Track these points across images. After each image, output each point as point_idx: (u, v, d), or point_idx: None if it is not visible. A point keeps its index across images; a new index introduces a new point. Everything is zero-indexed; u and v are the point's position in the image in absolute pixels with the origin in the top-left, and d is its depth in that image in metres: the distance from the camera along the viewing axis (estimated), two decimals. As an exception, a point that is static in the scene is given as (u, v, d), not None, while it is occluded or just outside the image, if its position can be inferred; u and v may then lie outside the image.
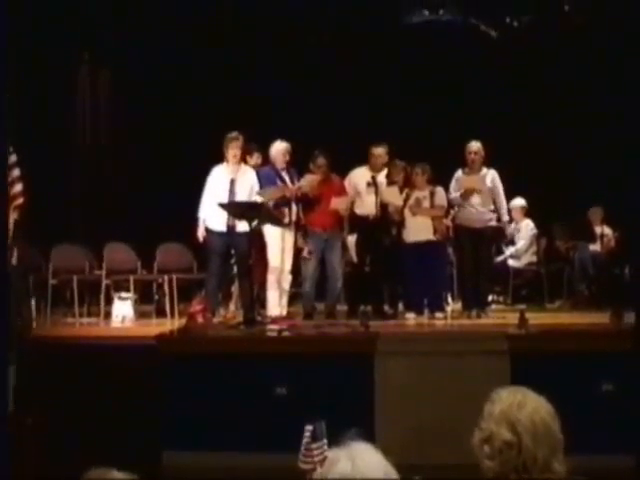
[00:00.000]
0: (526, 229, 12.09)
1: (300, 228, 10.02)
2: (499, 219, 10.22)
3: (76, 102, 13.15)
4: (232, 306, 10.19)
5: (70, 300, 10.70)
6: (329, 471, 2.11)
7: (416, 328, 9.21)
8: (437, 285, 9.78)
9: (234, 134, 9.55)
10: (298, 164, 10.18)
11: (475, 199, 9.86)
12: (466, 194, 9.83)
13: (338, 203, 9.95)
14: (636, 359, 7.15)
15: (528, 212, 12.09)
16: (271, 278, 9.81)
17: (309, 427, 2.20)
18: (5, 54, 6.53)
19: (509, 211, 11.33)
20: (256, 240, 9.45)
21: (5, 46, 6.49)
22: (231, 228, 9.35)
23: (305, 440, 2.19)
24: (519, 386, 2.56)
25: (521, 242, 12.09)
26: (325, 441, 2.19)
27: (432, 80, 13.09)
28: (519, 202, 11.81)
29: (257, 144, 10.20)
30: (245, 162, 10.04)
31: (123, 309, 10.20)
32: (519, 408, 2.44)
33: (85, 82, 13.16)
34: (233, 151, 9.50)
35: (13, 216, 8.38)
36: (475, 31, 13.25)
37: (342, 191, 10.11)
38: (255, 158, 10.27)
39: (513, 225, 12.06)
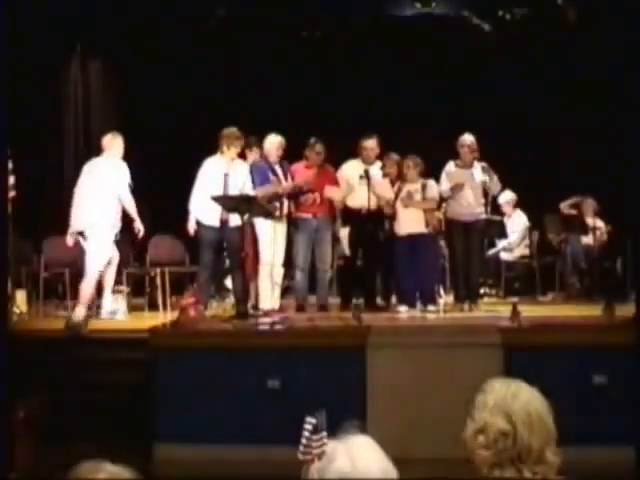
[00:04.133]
0: (519, 221, 12.12)
1: (292, 220, 10.02)
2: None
3: (67, 94, 13.10)
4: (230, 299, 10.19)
5: (62, 293, 10.68)
6: (327, 468, 2.10)
7: (408, 321, 9.21)
8: (429, 278, 9.79)
9: (238, 132, 9.52)
10: (290, 158, 10.19)
11: (466, 192, 9.87)
12: (456, 188, 9.82)
13: (333, 192, 9.96)
14: (629, 351, 7.16)
15: (518, 205, 12.13)
16: (263, 271, 9.81)
17: (310, 419, 2.19)
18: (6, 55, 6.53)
19: (499, 206, 11.47)
20: (248, 233, 9.45)
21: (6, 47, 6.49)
22: (224, 222, 9.33)
23: (305, 432, 2.18)
24: (512, 378, 2.56)
25: (514, 235, 12.11)
26: (325, 433, 2.17)
27: (424, 73, 13.08)
28: (509, 195, 11.83)
29: (256, 137, 10.21)
30: (244, 157, 10.06)
31: (115, 302, 10.18)
32: (513, 398, 2.45)
33: (76, 75, 13.11)
34: (236, 149, 9.49)
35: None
36: (468, 24, 13.23)
37: (335, 181, 10.11)
38: (254, 153, 10.26)
39: (505, 218, 12.11)
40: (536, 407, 2.45)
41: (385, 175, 10.12)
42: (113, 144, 9.75)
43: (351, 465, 2.07)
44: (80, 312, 9.35)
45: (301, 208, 9.99)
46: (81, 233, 9.61)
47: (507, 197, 11.82)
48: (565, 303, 10.94)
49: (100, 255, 9.54)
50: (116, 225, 9.65)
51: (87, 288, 9.52)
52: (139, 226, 9.75)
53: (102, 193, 9.52)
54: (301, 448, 2.15)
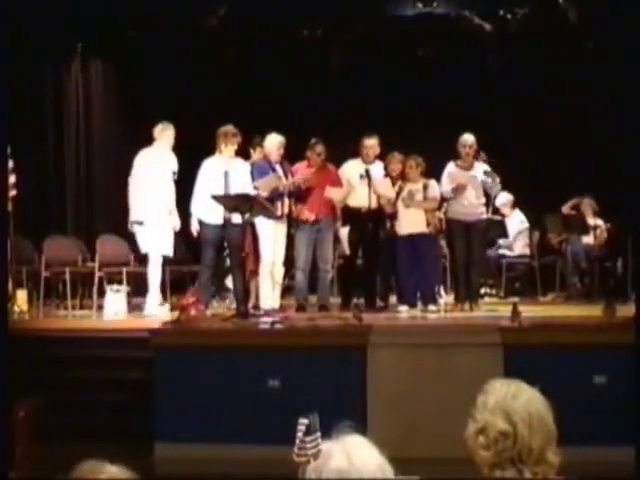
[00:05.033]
0: (517, 219, 12.12)
1: (292, 220, 10.02)
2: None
3: (68, 94, 13.09)
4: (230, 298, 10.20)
5: (63, 292, 10.69)
6: (324, 466, 2.10)
7: (409, 321, 9.21)
8: (430, 278, 9.79)
9: (234, 129, 9.53)
10: (291, 158, 10.19)
11: (468, 192, 9.86)
12: (459, 189, 9.81)
13: (333, 192, 9.95)
14: (629, 351, 7.15)
15: (518, 205, 12.13)
16: (264, 271, 9.81)
17: (303, 420, 2.19)
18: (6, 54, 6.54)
19: (498, 209, 11.47)
20: (248, 232, 9.45)
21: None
22: (227, 220, 9.34)
23: (299, 433, 2.18)
24: (512, 378, 2.56)
25: (511, 231, 12.12)
26: (319, 434, 2.17)
27: (425, 73, 13.09)
28: (505, 197, 11.83)
29: (260, 137, 10.21)
30: (248, 157, 10.06)
31: (116, 301, 10.18)
32: (513, 398, 2.45)
33: (77, 75, 13.11)
34: (233, 147, 9.50)
35: (6, 207, 8.42)
36: (469, 24, 13.23)
37: (338, 181, 10.09)
38: (258, 153, 10.25)
39: (506, 220, 12.12)
40: (536, 407, 2.45)
41: (388, 174, 10.12)
42: (162, 135, 9.91)
43: (348, 462, 2.07)
44: (153, 301, 9.68)
45: (303, 209, 9.99)
46: (140, 223, 9.74)
47: (503, 199, 11.82)
48: (565, 303, 10.95)
49: (162, 242, 9.70)
50: (173, 212, 9.80)
51: (155, 273, 9.74)
52: (175, 220, 9.85)
53: (159, 182, 9.70)
54: (295, 450, 2.15)
